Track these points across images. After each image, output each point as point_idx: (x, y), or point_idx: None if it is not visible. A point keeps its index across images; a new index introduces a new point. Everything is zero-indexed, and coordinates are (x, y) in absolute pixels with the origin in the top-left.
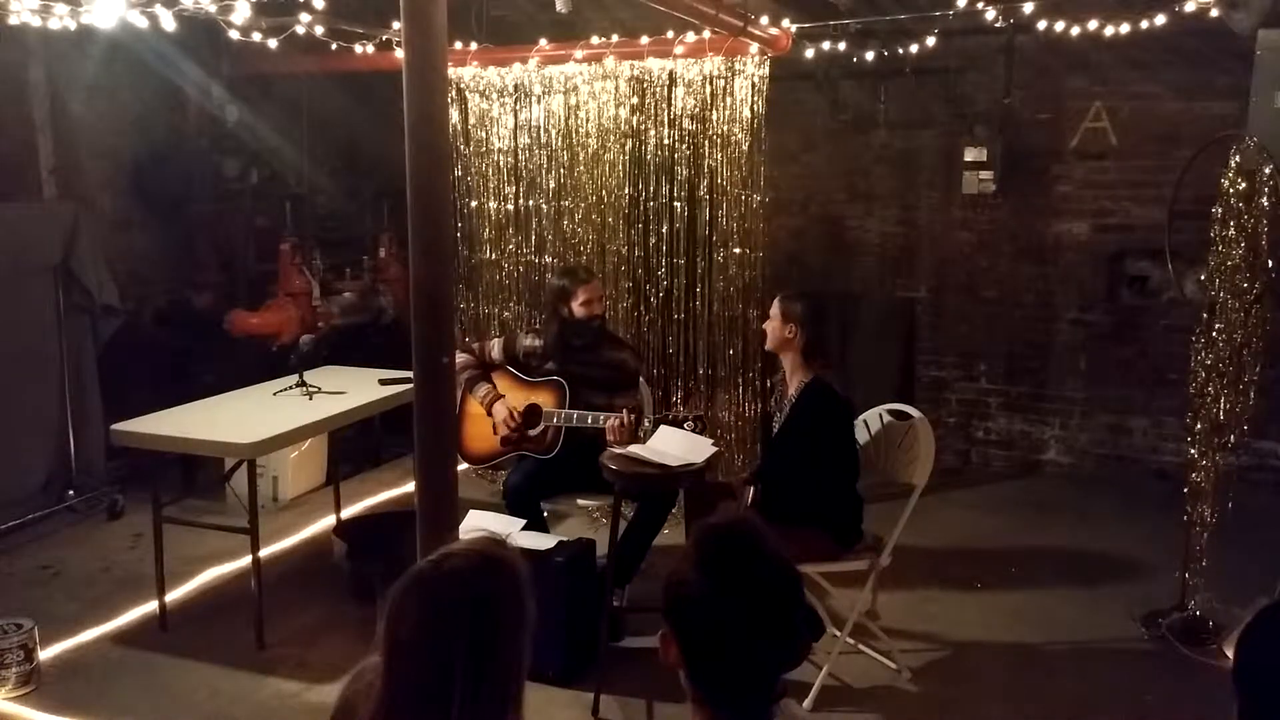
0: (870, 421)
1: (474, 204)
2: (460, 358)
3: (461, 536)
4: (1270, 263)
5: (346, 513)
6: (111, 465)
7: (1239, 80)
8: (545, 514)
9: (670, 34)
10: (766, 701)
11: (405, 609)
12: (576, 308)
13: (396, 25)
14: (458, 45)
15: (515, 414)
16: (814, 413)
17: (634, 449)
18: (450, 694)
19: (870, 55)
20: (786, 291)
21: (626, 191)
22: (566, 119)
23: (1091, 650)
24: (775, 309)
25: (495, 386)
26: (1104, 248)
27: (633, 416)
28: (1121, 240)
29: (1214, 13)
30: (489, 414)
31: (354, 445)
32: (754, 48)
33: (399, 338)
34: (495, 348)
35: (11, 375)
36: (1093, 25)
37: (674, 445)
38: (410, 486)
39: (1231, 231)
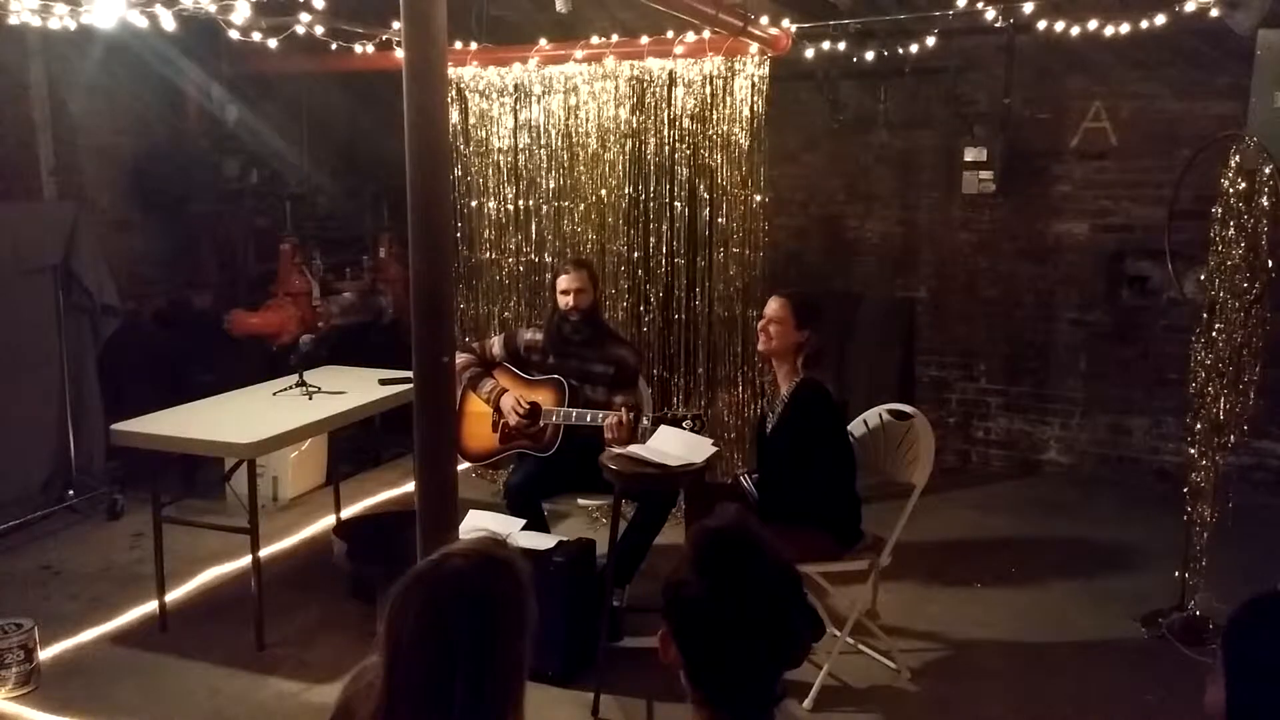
0: (870, 421)
1: (474, 204)
2: (462, 357)
3: (461, 536)
4: (1270, 263)
5: (346, 513)
6: (111, 465)
7: (1239, 80)
8: (545, 514)
9: (670, 34)
10: (767, 702)
11: (406, 609)
12: (557, 295)
13: (396, 25)
14: (458, 45)
15: (522, 402)
16: (808, 413)
17: (634, 449)
18: (451, 694)
19: (870, 55)
20: (789, 291)
21: (626, 191)
22: (566, 119)
23: (1092, 650)
24: (783, 310)
25: (498, 381)
26: (1104, 248)
27: (631, 415)
28: (1121, 240)
29: (1214, 13)
30: (496, 408)
31: (354, 445)
32: (754, 48)
33: (399, 338)
34: (496, 344)
35: (11, 375)
36: (1093, 25)
37: (674, 445)
38: (410, 486)
39: (1231, 231)
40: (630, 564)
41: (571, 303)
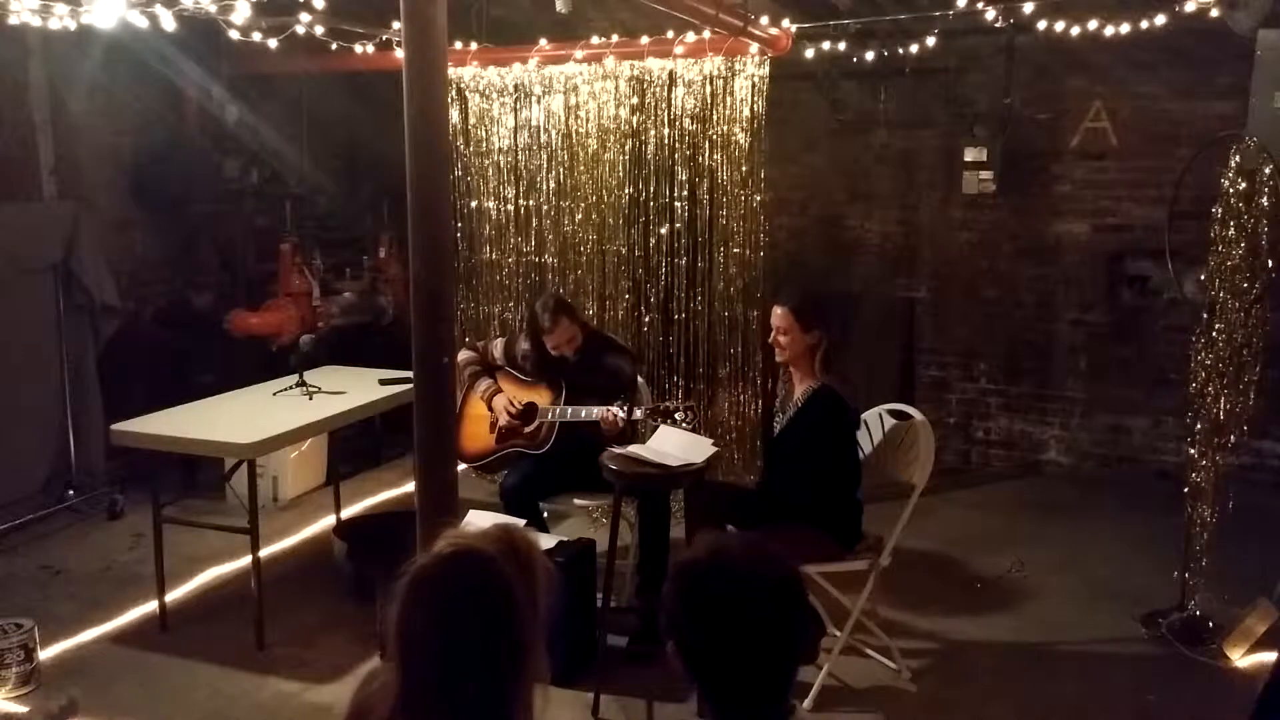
0: (870, 421)
1: (474, 204)
2: (465, 354)
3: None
4: (1270, 263)
5: (346, 513)
6: (111, 465)
7: (1239, 80)
8: (545, 515)
9: (670, 34)
10: (778, 711)
11: (416, 605)
12: (549, 344)
13: (396, 25)
14: (458, 45)
15: (514, 402)
16: (820, 422)
17: (634, 449)
18: (466, 688)
19: (870, 55)
20: (787, 296)
21: (626, 191)
22: (566, 119)
23: (1091, 650)
24: (787, 319)
25: (496, 381)
26: (1104, 248)
27: (625, 407)
28: (1121, 240)
29: (1214, 13)
30: (489, 407)
31: (354, 445)
32: (754, 48)
33: (399, 338)
34: (498, 347)
35: (11, 375)
36: (1093, 25)
37: (674, 445)
38: (410, 486)
39: (1231, 231)
40: (658, 569)
41: (565, 351)
